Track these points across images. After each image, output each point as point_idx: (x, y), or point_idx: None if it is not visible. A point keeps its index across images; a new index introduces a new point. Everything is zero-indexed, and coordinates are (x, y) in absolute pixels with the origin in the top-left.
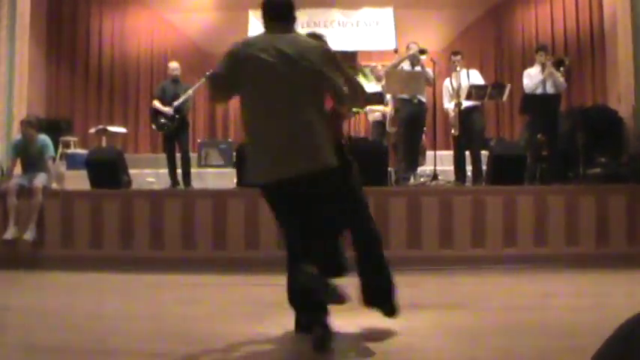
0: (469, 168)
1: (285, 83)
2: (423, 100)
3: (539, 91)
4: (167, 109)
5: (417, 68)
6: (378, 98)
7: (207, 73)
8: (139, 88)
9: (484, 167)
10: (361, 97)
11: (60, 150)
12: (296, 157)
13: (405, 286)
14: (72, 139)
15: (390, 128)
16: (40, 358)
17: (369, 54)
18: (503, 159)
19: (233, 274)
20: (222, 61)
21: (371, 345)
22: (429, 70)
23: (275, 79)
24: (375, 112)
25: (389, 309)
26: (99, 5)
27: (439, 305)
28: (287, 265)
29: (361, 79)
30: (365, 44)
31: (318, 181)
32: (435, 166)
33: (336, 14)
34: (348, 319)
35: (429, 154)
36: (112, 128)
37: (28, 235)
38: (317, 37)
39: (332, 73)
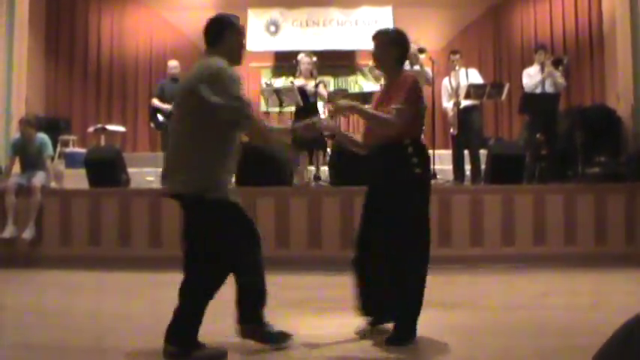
0: (468, 167)
1: (175, 108)
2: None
3: (538, 90)
4: (167, 106)
5: (416, 67)
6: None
7: None
8: (138, 87)
9: (483, 166)
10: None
11: (58, 149)
12: (169, 177)
13: None
14: (71, 137)
15: None
16: (38, 357)
17: (367, 53)
18: (502, 158)
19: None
20: None
21: (368, 344)
22: (428, 70)
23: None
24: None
25: None
26: (97, 4)
27: (437, 304)
28: None
29: (360, 79)
30: (364, 43)
31: (186, 205)
32: (433, 165)
33: (334, 13)
34: (346, 318)
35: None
36: (110, 127)
37: (27, 234)
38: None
39: (204, 91)
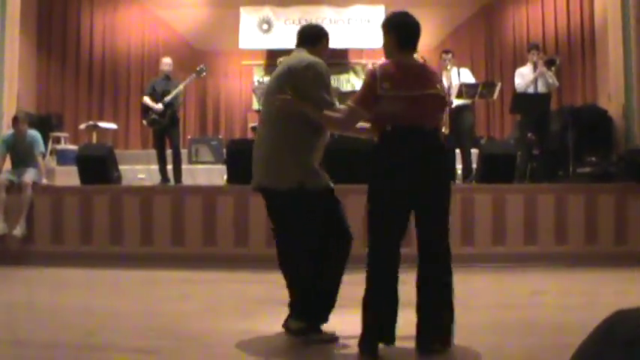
0: (459, 166)
1: (265, 102)
2: None
3: (530, 90)
4: (157, 106)
5: None
6: None
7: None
8: (130, 85)
9: (474, 166)
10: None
11: (50, 146)
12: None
13: None
14: (62, 134)
15: None
16: (29, 353)
17: (359, 52)
18: (494, 158)
19: (222, 271)
20: None
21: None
22: None
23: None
24: None
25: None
26: (90, 0)
27: None
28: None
29: (352, 77)
30: (356, 42)
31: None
32: None
33: (327, 11)
34: (343, 315)
35: None
36: (102, 124)
37: (18, 231)
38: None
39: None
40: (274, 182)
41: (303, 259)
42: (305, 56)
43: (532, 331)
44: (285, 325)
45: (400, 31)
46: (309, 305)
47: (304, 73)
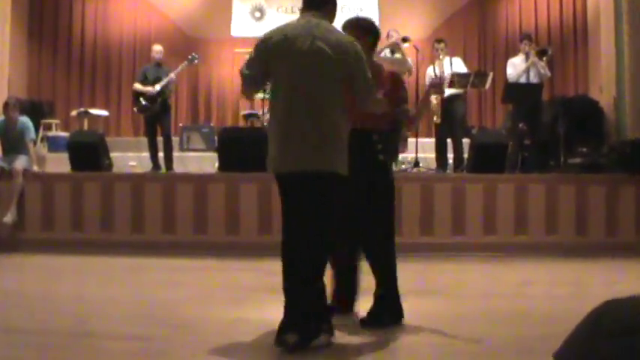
0: (450, 156)
1: (307, 86)
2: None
3: (522, 80)
4: (149, 89)
5: (397, 55)
6: None
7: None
8: (122, 71)
9: (465, 155)
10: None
11: (41, 132)
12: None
13: None
14: (54, 121)
15: None
16: (20, 340)
17: None
18: (485, 147)
19: (213, 259)
20: (251, 54)
21: (349, 331)
22: (409, 59)
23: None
24: None
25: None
26: None
27: (418, 292)
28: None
29: None
30: None
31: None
32: (416, 153)
33: None
34: None
35: (411, 141)
36: (93, 111)
37: (9, 218)
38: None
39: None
40: (325, 164)
41: (330, 249)
42: (339, 34)
43: (521, 321)
44: (284, 340)
45: (377, 35)
46: (324, 304)
47: (358, 60)
